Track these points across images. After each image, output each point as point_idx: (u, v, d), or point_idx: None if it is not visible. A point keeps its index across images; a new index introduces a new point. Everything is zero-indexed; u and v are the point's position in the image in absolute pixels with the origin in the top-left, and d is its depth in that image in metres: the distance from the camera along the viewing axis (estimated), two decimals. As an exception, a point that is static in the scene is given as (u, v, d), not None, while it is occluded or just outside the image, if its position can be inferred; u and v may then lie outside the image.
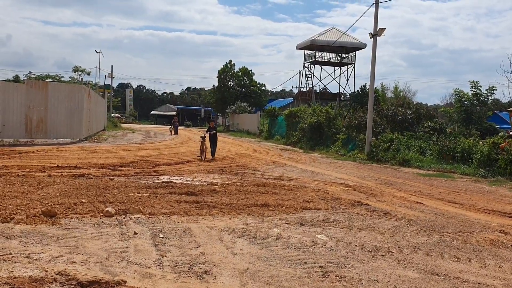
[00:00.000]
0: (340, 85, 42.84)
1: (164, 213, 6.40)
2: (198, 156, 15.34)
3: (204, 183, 9.73)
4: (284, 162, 16.56)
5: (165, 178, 10.31)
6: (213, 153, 15.53)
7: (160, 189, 8.46)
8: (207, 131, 15.91)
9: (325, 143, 24.83)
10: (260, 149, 22.87)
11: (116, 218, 6.02)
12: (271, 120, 36.59)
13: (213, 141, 15.80)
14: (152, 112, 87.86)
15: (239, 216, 6.56)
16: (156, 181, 9.72)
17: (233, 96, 53.19)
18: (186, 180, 10.09)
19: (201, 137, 15.53)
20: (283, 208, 7.28)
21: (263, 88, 58.06)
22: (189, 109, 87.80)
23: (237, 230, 5.74)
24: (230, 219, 6.34)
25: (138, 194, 7.78)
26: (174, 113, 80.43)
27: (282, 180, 11.06)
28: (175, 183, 9.42)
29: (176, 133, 35.07)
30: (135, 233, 5.31)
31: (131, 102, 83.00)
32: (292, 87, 70.69)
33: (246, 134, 41.64)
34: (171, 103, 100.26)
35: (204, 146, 14.98)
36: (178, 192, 8.19)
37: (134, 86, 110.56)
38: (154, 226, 5.72)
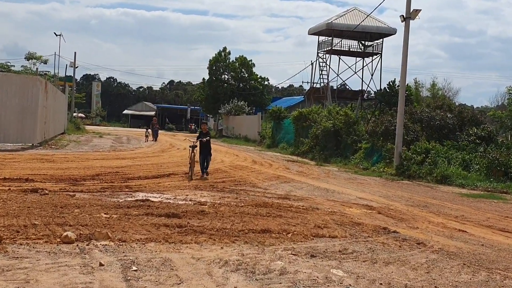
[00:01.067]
0: (363, 80, 43.01)
1: (138, 239, 6.40)
2: (185, 173, 14.38)
3: (190, 203, 9.73)
4: (291, 177, 16.56)
5: (140, 195, 10.31)
6: (205, 168, 14.52)
7: (133, 209, 8.47)
8: (198, 138, 14.90)
9: (343, 153, 24.90)
10: (261, 160, 22.89)
11: (77, 245, 6.01)
12: (275, 124, 36.72)
13: (206, 151, 14.71)
14: (125, 111, 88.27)
15: (233, 244, 6.56)
16: (129, 199, 9.72)
17: (228, 93, 53.46)
18: (167, 199, 10.09)
19: (190, 146, 14.38)
20: (289, 235, 7.27)
21: (266, 83, 58.47)
22: (172, 108, 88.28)
23: (231, 262, 5.73)
24: (222, 248, 6.34)
25: (105, 215, 7.78)
26: (152, 113, 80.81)
27: (288, 200, 11.07)
28: (152, 202, 9.43)
29: (155, 138, 35.18)
30: (101, 264, 5.30)
31: (98, 98, 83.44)
32: (303, 82, 71.48)
33: (243, 141, 41.76)
34: (149, 100, 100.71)
35: (194, 159, 14.02)
36: (156, 213, 8.20)
37: (103, 79, 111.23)
38: (125, 256, 5.71)
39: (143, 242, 6.31)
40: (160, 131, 39.34)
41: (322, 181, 15.90)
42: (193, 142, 14.64)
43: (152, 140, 35.05)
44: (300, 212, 9.39)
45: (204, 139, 14.71)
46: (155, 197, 10.25)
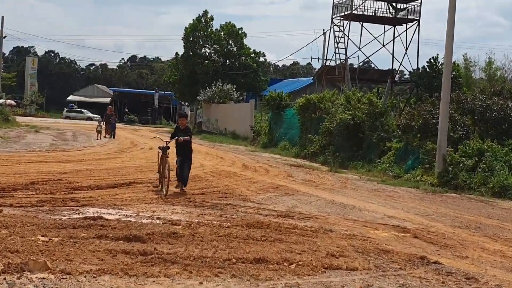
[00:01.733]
0: (393, 56, 42.91)
1: (87, 271, 6.39)
2: (154, 186, 13.87)
3: (158, 221, 9.70)
4: (295, 187, 16.56)
5: (91, 211, 10.27)
6: (184, 179, 13.96)
7: (81, 231, 8.45)
8: (172, 137, 14.21)
9: (366, 155, 24.94)
10: (254, 165, 22.88)
11: (5, 278, 6.00)
12: (274, 115, 36.75)
13: (184, 155, 14.08)
14: (70, 97, 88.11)
15: (216, 279, 6.54)
16: (75, 216, 9.68)
17: (210, 73, 53.41)
18: (127, 216, 10.06)
19: (160, 148, 13.83)
20: (293, 267, 7.26)
21: (262, 60, 58.52)
22: (134, 93, 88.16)
23: (214, 303, 5.73)
24: (200, 284, 6.33)
25: (43, 238, 7.76)
26: (107, 100, 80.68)
27: (291, 219, 11.04)
28: (107, 220, 9.40)
29: (111, 135, 35.14)
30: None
31: (34, 79, 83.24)
32: (312, 59, 70.70)
33: (230, 138, 41.80)
34: (102, 82, 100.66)
35: (167, 167, 13.32)
36: (112, 235, 8.18)
37: (40, 53, 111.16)
38: (70, 293, 5.70)
39: (94, 275, 6.29)
40: (117, 125, 39.29)
41: (338, 193, 15.89)
42: (166, 142, 13.94)
43: (107, 136, 35.00)
44: (307, 236, 9.35)
45: (181, 138, 13.86)
46: (111, 213, 10.18)
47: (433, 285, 7.07)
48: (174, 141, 14.03)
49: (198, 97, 52.23)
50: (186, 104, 63.39)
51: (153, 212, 10.74)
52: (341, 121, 26.34)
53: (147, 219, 9.93)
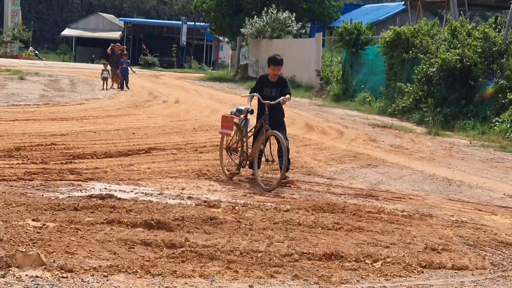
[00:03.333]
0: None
1: (95, 268, 6.47)
2: (228, 173, 12.41)
3: (189, 202, 9.79)
4: (380, 156, 16.51)
5: (97, 187, 10.41)
6: (280, 162, 11.94)
7: (85, 214, 8.57)
8: (254, 91, 12.47)
9: (479, 112, 24.58)
10: (322, 125, 22.84)
11: (-16, 277, 6.11)
12: (349, 56, 36.41)
13: (274, 122, 12.24)
14: (66, 31, 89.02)
15: (271, 280, 6.58)
16: (77, 194, 9.82)
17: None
18: (147, 195, 10.17)
19: (236, 111, 12.42)
20: (378, 265, 7.27)
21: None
22: (154, 25, 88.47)
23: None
24: (250, 287, 6.40)
25: (34, 223, 7.89)
26: (117, 35, 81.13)
27: (375, 199, 11.07)
28: (120, 200, 9.53)
29: (123, 83, 35.00)
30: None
31: (17, 7, 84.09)
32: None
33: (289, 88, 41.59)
34: (110, 11, 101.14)
35: (246, 141, 12.38)
36: (127, 221, 8.27)
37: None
38: (72, 298, 5.81)
39: (105, 273, 6.36)
40: (133, 69, 39.23)
41: (440, 165, 15.76)
42: (247, 98, 12.55)
43: (116, 86, 35.16)
44: (397, 223, 9.35)
45: (273, 101, 12.14)
46: (125, 191, 10.30)
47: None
48: (259, 103, 12.42)
49: (242, 30, 51.96)
50: (226, 40, 63.29)
51: (182, 189, 10.80)
52: (445, 63, 25.91)
53: (174, 199, 9.99)
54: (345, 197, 11.07)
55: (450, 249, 8.11)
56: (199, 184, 11.42)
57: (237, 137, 12.49)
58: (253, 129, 12.40)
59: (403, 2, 50.91)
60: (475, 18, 48.72)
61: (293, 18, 49.47)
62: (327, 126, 22.59)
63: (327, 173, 13.53)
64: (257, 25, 49.74)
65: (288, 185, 11.86)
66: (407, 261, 7.45)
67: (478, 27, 27.81)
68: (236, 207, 9.62)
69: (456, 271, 7.37)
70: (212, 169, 12.82)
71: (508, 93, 23.63)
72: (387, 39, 30.86)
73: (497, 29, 27.97)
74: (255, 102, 12.41)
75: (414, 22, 35.01)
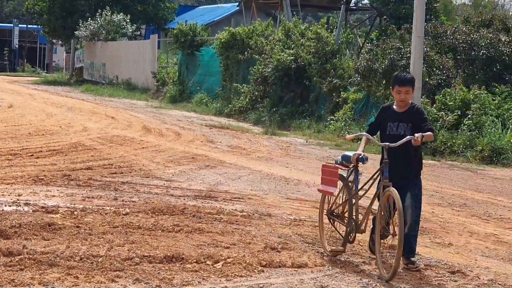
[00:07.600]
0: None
1: None
2: (332, 251, 8.34)
3: (26, 209, 9.62)
4: (218, 156, 16.62)
5: None
6: (408, 237, 7.76)
7: None
8: (374, 128, 8.78)
9: (314, 111, 25.11)
10: (160, 127, 22.78)
11: None
12: (185, 57, 36.43)
13: (405, 177, 8.55)
14: None
15: (113, 285, 6.57)
16: None
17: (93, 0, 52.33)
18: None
19: (340, 162, 8.59)
20: (219, 266, 7.34)
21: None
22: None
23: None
24: (91, 293, 6.34)
25: None
26: None
27: (214, 201, 11.14)
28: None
29: None
30: None
31: None
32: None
33: (124, 90, 41.35)
34: None
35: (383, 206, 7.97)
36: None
37: None
38: None
39: None
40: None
41: (277, 164, 16.02)
42: (360, 141, 9.21)
43: None
44: (237, 223, 9.45)
45: (418, 135, 8.39)
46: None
47: (407, 281, 7.30)
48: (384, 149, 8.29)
49: (76, 32, 51.13)
50: (60, 42, 61.96)
51: (19, 196, 10.58)
52: (279, 63, 26.27)
53: (10, 205, 9.81)
54: (184, 199, 11.11)
55: (290, 248, 8.29)
56: (36, 189, 11.19)
57: (344, 197, 8.63)
58: (366, 185, 8.47)
59: (237, 3, 51.45)
60: (308, 18, 49.84)
61: (128, 20, 49.17)
62: (165, 128, 22.54)
63: (165, 175, 13.53)
64: (91, 28, 49.13)
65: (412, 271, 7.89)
66: (247, 261, 7.56)
67: (310, 28, 28.39)
68: (75, 212, 9.52)
69: (296, 269, 7.55)
70: (49, 174, 12.58)
71: (341, 93, 24.27)
72: (222, 40, 31.11)
73: (329, 30, 28.72)
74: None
75: (249, 23, 35.42)
